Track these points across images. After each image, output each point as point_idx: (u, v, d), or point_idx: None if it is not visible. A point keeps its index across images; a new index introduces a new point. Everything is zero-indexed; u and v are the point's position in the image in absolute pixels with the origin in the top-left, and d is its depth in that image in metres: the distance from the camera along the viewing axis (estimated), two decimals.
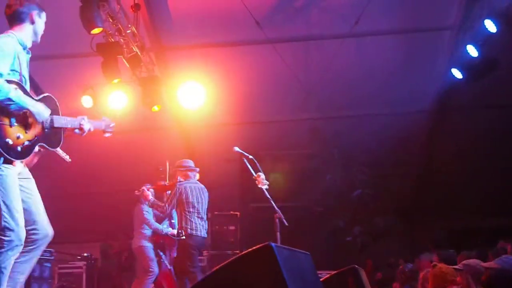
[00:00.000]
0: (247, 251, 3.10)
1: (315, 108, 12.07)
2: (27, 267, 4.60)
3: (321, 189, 13.35)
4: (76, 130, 5.04)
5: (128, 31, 9.49)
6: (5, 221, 4.30)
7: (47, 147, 4.71)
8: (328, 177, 13.50)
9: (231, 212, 12.37)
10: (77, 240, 13.47)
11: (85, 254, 12.08)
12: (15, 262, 4.44)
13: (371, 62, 11.23)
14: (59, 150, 5.60)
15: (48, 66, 10.75)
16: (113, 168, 12.46)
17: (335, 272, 5.16)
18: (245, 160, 7.75)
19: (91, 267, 12.50)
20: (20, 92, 4.39)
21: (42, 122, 4.58)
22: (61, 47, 10.22)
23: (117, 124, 5.82)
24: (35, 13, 4.73)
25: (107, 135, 5.53)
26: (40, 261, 9.93)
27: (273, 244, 3.03)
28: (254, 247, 3.07)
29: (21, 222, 4.38)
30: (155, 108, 10.36)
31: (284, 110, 12.26)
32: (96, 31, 8.37)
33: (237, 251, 11.83)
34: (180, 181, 8.65)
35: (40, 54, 10.26)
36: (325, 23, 10.69)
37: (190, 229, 8.38)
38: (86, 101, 10.50)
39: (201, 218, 8.58)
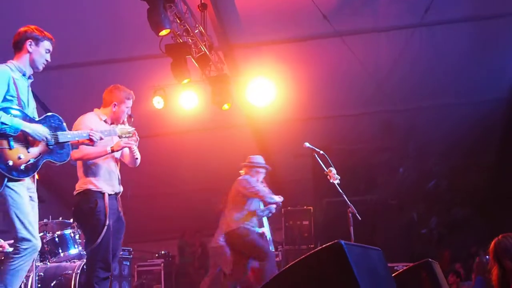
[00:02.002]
0: (317, 249, 3.10)
1: (386, 101, 11.88)
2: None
3: (395, 182, 13.17)
4: (87, 142, 5.36)
5: (195, 31, 9.58)
6: (21, 233, 4.73)
7: (54, 161, 5.05)
8: (401, 170, 13.30)
9: (305, 207, 12.35)
10: (154, 239, 13.75)
11: (162, 252, 12.29)
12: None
13: (443, 52, 10.98)
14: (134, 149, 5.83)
15: (119, 69, 10.99)
16: (186, 167, 12.63)
17: (409, 266, 5.06)
18: (316, 156, 7.73)
19: (169, 264, 12.73)
20: (12, 117, 4.71)
21: (43, 140, 4.87)
22: (131, 50, 10.42)
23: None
24: (28, 42, 5.05)
25: (123, 139, 5.79)
26: (119, 260, 10.18)
27: (342, 241, 3.01)
28: (324, 245, 3.07)
29: (35, 232, 4.81)
30: (225, 107, 10.45)
31: (354, 103, 12.12)
32: (164, 32, 8.47)
33: (312, 246, 11.81)
34: None
35: (111, 58, 10.64)
36: (393, 13, 10.49)
37: None
38: (157, 102, 10.69)
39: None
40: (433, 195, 13.52)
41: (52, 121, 5.08)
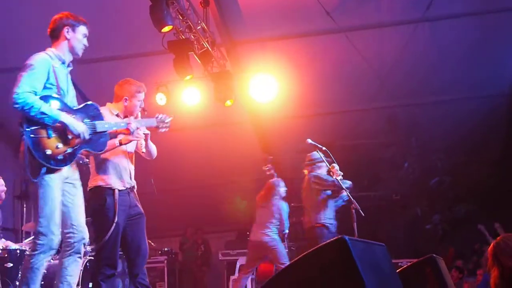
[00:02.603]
0: (321, 244, 3.09)
1: (390, 96, 11.85)
2: (75, 269, 4.94)
3: (398, 178, 13.15)
4: (124, 132, 5.43)
5: (198, 28, 9.55)
6: (40, 227, 4.67)
7: (91, 151, 5.10)
8: (405, 165, 13.29)
9: None
10: (157, 236, 13.71)
11: (165, 249, 12.29)
12: (63, 268, 4.88)
13: (446, 47, 10.94)
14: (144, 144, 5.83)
15: (121, 65, 10.98)
16: (189, 164, 12.61)
17: (413, 262, 5.05)
18: (319, 152, 7.73)
19: (172, 261, 12.72)
20: (52, 106, 4.72)
21: (79, 135, 4.82)
22: (133, 46, 10.41)
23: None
24: (66, 29, 5.04)
25: (162, 130, 5.83)
26: (123, 257, 10.14)
27: (346, 237, 3.00)
28: (327, 241, 3.05)
29: (56, 230, 4.72)
30: (228, 103, 10.43)
31: (357, 99, 12.09)
32: (166, 29, 8.45)
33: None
34: None
35: (113, 55, 10.63)
36: (396, 8, 10.46)
37: None
38: (160, 98, 10.67)
39: None
40: (436, 191, 13.50)
41: (90, 110, 5.07)
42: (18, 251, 7.50)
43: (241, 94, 10.93)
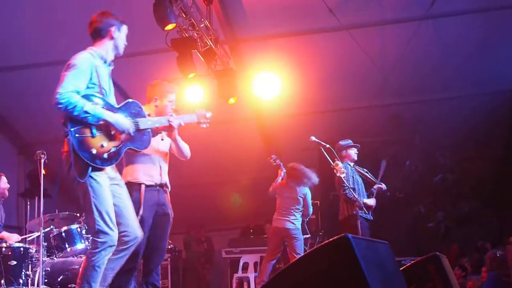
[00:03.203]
0: (324, 242, 3.08)
1: (393, 94, 11.86)
2: (117, 264, 4.92)
3: (402, 175, 13.14)
4: (166, 128, 5.43)
5: (201, 25, 9.55)
6: (98, 225, 4.65)
7: (136, 149, 5.03)
8: (408, 163, 13.28)
9: (312, 201, 12.32)
10: None
11: (169, 247, 12.29)
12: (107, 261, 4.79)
13: (450, 44, 10.95)
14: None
15: (124, 64, 10.93)
16: (191, 162, 12.58)
17: (416, 260, 5.04)
18: (322, 149, 7.73)
19: (175, 259, 12.72)
20: (95, 105, 4.69)
21: (124, 131, 4.81)
22: (135, 44, 10.37)
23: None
24: (113, 28, 5.02)
25: (203, 126, 5.87)
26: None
27: (349, 235, 2.99)
28: (330, 239, 3.05)
29: (114, 227, 4.71)
30: (231, 101, 10.42)
31: (361, 97, 12.09)
32: (169, 27, 8.46)
33: (320, 240, 11.81)
34: None
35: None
36: (399, 6, 10.45)
37: None
38: None
39: None
40: (440, 189, 13.49)
41: (132, 107, 5.06)
42: (22, 249, 7.50)
43: (244, 92, 10.93)
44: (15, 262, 7.30)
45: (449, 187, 13.38)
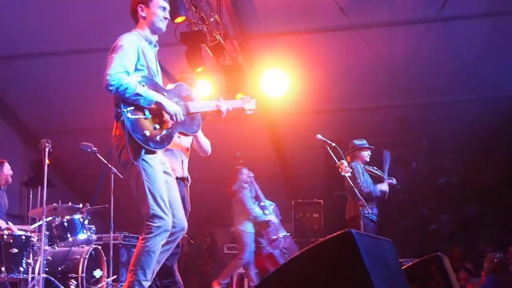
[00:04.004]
0: (327, 237, 3.05)
1: (401, 95, 11.81)
2: (163, 257, 4.79)
3: (407, 176, 13.09)
4: (214, 113, 5.20)
5: (211, 20, 9.53)
6: (153, 209, 4.51)
7: (186, 132, 4.91)
8: (414, 165, 13.24)
9: (315, 199, 12.31)
10: None
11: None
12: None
13: (459, 47, 10.90)
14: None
15: None
16: (197, 157, 12.58)
17: (417, 260, 5.01)
18: (328, 148, 7.70)
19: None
20: (146, 87, 4.57)
21: (174, 116, 4.67)
22: None
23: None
24: (139, 8, 4.88)
25: (248, 112, 5.63)
26: (127, 247, 10.16)
27: (353, 231, 2.96)
28: (334, 234, 3.02)
29: (168, 210, 4.58)
30: (239, 96, 10.38)
31: (369, 97, 12.07)
32: (179, 19, 8.44)
33: (321, 239, 11.78)
34: None
35: None
36: (410, 7, 10.41)
37: None
38: None
39: None
40: (445, 191, 13.44)
41: (182, 90, 4.96)
42: (23, 237, 7.50)
43: (252, 88, 10.90)
44: (16, 250, 7.30)
45: (454, 190, 13.33)
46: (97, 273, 7.95)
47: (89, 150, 7.98)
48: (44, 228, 7.15)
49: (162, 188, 4.59)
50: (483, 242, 12.22)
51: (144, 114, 4.54)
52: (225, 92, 10.34)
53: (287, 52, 10.87)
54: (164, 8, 4.91)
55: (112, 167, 8.68)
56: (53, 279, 7.21)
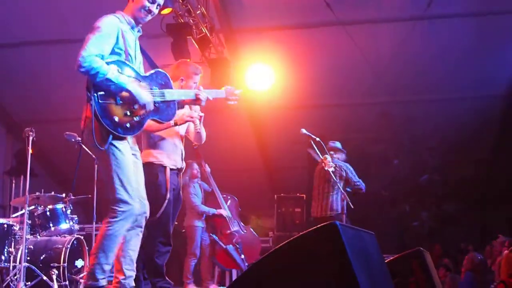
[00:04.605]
0: (311, 229, 3.08)
1: (385, 92, 11.89)
2: (137, 243, 4.74)
3: (389, 173, 13.19)
4: (193, 102, 5.15)
5: (197, 12, 9.52)
6: (119, 194, 4.48)
7: (160, 120, 4.83)
8: (396, 162, 13.34)
9: (298, 194, 12.35)
10: None
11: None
12: (126, 242, 4.63)
13: (444, 46, 10.98)
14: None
15: None
16: None
17: (398, 255, 5.06)
18: (312, 143, 7.74)
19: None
20: (119, 73, 4.49)
21: (144, 106, 4.60)
22: None
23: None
24: None
25: (231, 103, 5.56)
26: None
27: (337, 222, 2.99)
28: (318, 225, 3.05)
29: (135, 195, 4.55)
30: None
31: (353, 93, 12.12)
32: (166, 11, 8.43)
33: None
34: None
35: None
36: (396, 5, 10.47)
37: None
38: None
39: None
40: (426, 189, 13.55)
41: (159, 77, 4.84)
42: (5, 226, 7.46)
43: (237, 82, 10.90)
44: None
45: (435, 188, 13.45)
46: (79, 263, 7.94)
47: (73, 140, 7.93)
48: (26, 217, 7.12)
49: (130, 173, 4.55)
50: (461, 239, 12.36)
51: (115, 100, 4.47)
52: (210, 85, 10.31)
53: (273, 47, 10.89)
54: (153, 1, 4.79)
55: (96, 158, 8.67)
56: (35, 268, 7.19)
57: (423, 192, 13.59)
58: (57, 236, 7.99)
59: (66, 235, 8.02)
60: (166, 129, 5.69)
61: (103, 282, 4.51)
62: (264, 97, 11.55)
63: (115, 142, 4.49)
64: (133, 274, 4.72)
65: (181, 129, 5.99)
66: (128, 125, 4.52)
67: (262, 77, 10.60)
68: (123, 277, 4.66)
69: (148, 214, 4.77)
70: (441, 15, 10.51)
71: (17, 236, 7.51)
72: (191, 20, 9.45)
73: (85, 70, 4.32)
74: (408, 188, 13.42)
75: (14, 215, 8.24)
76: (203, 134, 6.01)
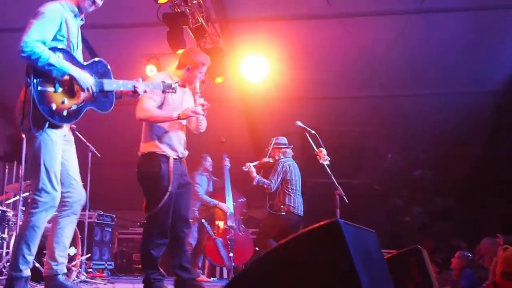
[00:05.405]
0: (312, 226, 3.06)
1: (379, 86, 11.88)
2: (71, 230, 4.85)
3: (382, 167, 13.20)
4: (130, 93, 5.08)
5: (194, 1, 9.51)
6: (43, 183, 4.51)
7: (97, 110, 4.80)
8: (389, 156, 13.34)
9: None
10: (137, 207, 13.72)
11: (144, 221, 12.26)
12: (59, 228, 4.75)
13: (439, 40, 10.96)
14: None
15: (114, 34, 10.92)
16: None
17: (396, 252, 5.07)
18: (307, 135, 7.73)
19: None
20: (61, 58, 4.48)
21: (88, 89, 4.61)
22: (127, 16, 10.32)
23: None
24: None
25: (168, 95, 5.56)
26: (101, 226, 10.17)
27: (340, 220, 2.99)
28: (320, 223, 3.04)
29: (58, 186, 4.57)
30: (219, 80, 10.39)
31: (347, 86, 12.11)
32: (162, 0, 8.41)
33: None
34: (281, 158, 8.72)
35: (106, 22, 10.55)
36: None
37: (293, 207, 8.50)
38: (150, 70, 10.62)
39: (301, 196, 8.77)
40: (418, 184, 13.57)
41: (99, 67, 4.82)
42: None
43: (232, 72, 10.90)
44: None
45: (427, 183, 13.46)
46: (71, 250, 7.91)
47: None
48: (20, 203, 7.09)
49: (57, 164, 4.59)
50: (452, 236, 12.38)
51: (54, 87, 4.46)
52: (205, 75, 10.29)
53: (268, 38, 10.87)
54: None
55: (90, 145, 8.65)
56: None
57: (416, 187, 13.60)
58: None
59: None
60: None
61: (27, 273, 4.55)
62: (259, 88, 11.54)
63: (49, 131, 4.51)
64: (65, 261, 4.80)
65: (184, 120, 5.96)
66: (65, 113, 4.52)
67: (256, 68, 10.58)
68: (56, 263, 4.73)
69: (84, 201, 4.85)
70: (437, 9, 10.46)
71: (10, 223, 7.50)
72: (187, 10, 9.45)
73: (27, 55, 4.32)
74: (401, 183, 13.44)
75: (7, 201, 8.20)
76: (203, 125, 5.98)
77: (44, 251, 7.37)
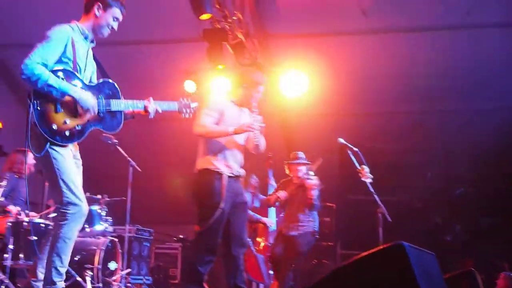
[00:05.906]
0: (376, 249, 3.02)
1: (420, 101, 11.77)
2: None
3: (422, 184, 13.03)
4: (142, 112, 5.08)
5: (234, 18, 9.52)
6: (66, 197, 4.57)
7: (104, 130, 4.85)
8: (429, 174, 13.15)
9: (327, 203, 12.26)
10: (174, 221, 13.69)
11: (180, 236, 12.28)
12: (47, 246, 4.78)
13: (481, 56, 10.80)
14: None
15: (153, 50, 10.99)
16: None
17: (449, 274, 4.98)
18: (350, 152, 7.67)
19: (186, 249, 12.69)
20: (61, 79, 4.52)
21: (90, 110, 4.64)
22: (166, 32, 10.40)
23: None
24: (96, 6, 4.82)
25: (185, 116, 5.48)
26: (140, 240, 10.20)
27: (405, 243, 2.94)
28: (384, 245, 3.00)
29: (81, 195, 4.64)
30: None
31: (386, 101, 11.98)
32: (205, 17, 8.49)
33: (331, 243, 11.77)
34: None
35: (146, 38, 10.64)
36: (433, 14, 10.35)
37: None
38: (189, 85, 10.63)
39: None
40: (459, 202, 13.34)
41: (106, 87, 4.87)
42: (42, 225, 7.55)
43: (270, 87, 10.86)
44: (35, 238, 7.29)
45: (469, 201, 13.23)
46: (112, 265, 7.97)
47: (109, 141, 7.98)
48: None
49: (74, 175, 4.64)
50: (495, 255, 12.13)
51: (55, 107, 4.51)
52: None
53: (307, 54, 10.82)
54: (117, 19, 4.91)
55: (131, 160, 8.69)
56: (69, 268, 7.20)
57: (457, 205, 13.36)
58: (91, 237, 8.02)
59: (100, 236, 8.06)
60: (225, 137, 5.67)
61: (61, 285, 4.62)
62: (297, 104, 11.47)
63: (55, 147, 4.55)
64: (65, 269, 4.75)
65: (240, 139, 5.94)
66: (67, 133, 4.58)
67: (295, 84, 10.55)
68: (34, 279, 4.80)
69: (86, 214, 4.79)
70: (480, 24, 10.34)
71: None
72: (227, 26, 9.46)
73: (26, 77, 4.39)
74: (442, 201, 13.23)
75: (50, 216, 8.27)
76: (262, 145, 5.97)
77: (85, 265, 7.50)
